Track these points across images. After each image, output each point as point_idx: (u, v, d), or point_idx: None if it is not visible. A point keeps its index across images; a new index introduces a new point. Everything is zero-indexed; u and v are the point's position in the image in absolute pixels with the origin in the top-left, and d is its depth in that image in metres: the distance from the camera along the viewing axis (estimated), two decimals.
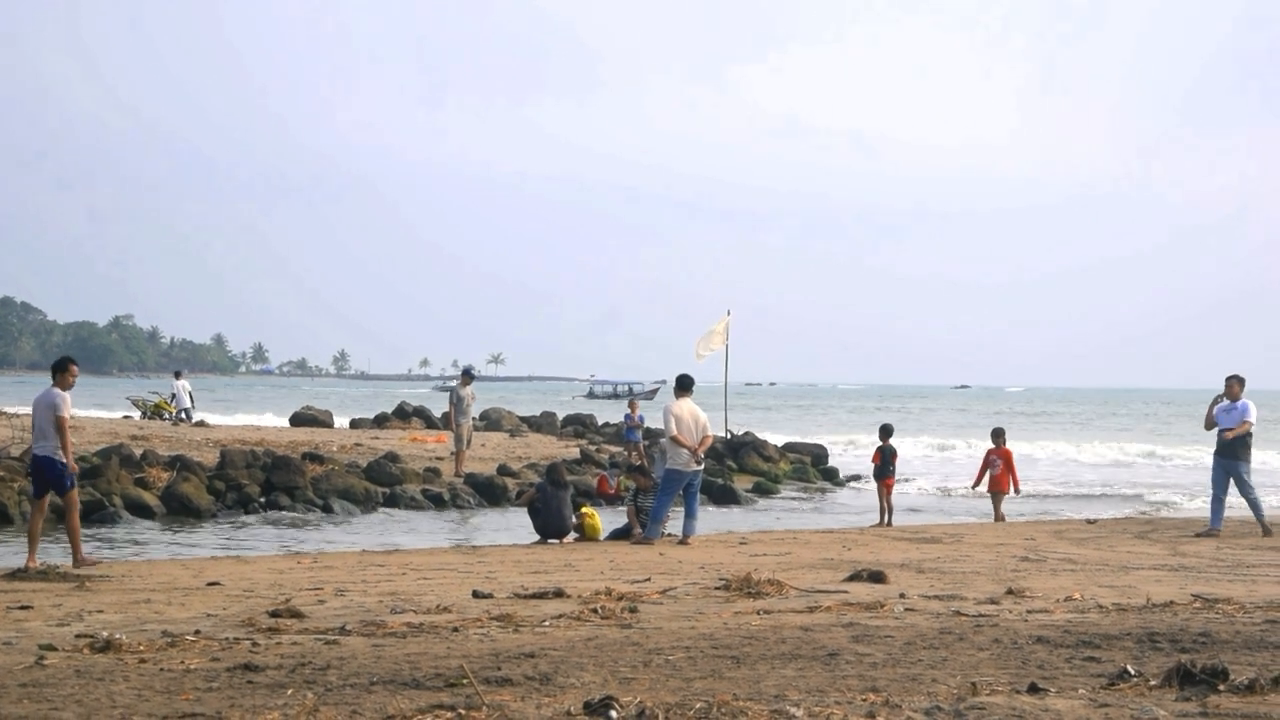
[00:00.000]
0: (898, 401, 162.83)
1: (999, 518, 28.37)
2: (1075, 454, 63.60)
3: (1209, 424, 24.31)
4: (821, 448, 51.13)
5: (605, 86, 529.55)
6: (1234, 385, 23.91)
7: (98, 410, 63.46)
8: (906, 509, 34.16)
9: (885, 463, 28.31)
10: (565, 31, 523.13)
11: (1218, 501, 24.12)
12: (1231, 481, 23.92)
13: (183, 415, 52.85)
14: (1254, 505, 24.10)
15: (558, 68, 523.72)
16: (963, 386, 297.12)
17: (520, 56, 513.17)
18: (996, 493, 28.64)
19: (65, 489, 18.70)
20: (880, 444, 28.60)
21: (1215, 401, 24.26)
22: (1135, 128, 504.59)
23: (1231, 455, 23.83)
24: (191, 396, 54.19)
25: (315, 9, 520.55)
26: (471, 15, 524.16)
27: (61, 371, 18.65)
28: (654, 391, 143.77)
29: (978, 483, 29.45)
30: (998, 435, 29.20)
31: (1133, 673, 8.79)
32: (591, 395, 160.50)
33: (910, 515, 32.71)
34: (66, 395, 18.48)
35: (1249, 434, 23.87)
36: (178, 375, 57.21)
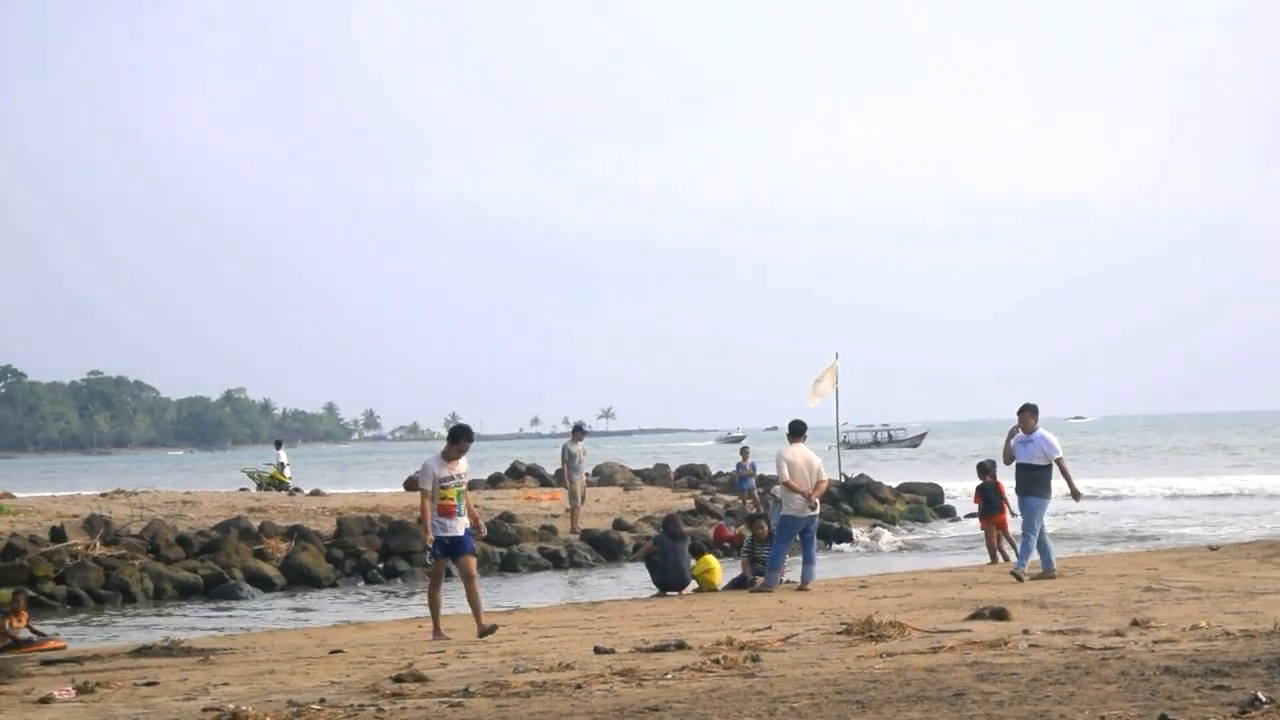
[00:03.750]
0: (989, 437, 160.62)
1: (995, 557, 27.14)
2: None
3: (1007, 458, 22.72)
4: (937, 487, 50.88)
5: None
6: (1028, 418, 22.25)
7: (214, 485, 64.01)
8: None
9: (989, 500, 27.66)
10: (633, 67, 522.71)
11: (1039, 542, 22.36)
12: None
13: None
14: (1025, 544, 22.16)
15: (619, 114, 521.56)
16: (1078, 418, 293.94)
17: (588, 101, 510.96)
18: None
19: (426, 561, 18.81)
20: (980, 482, 28.05)
21: (1011, 434, 22.63)
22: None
23: (1026, 490, 22.14)
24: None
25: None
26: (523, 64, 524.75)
27: (452, 442, 18.01)
28: (921, 437, 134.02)
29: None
30: (982, 470, 28.12)
31: (1264, 699, 8.69)
32: (848, 444, 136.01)
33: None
34: (429, 464, 17.83)
35: (1052, 468, 22.09)
36: (278, 445, 57.69)
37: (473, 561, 17.92)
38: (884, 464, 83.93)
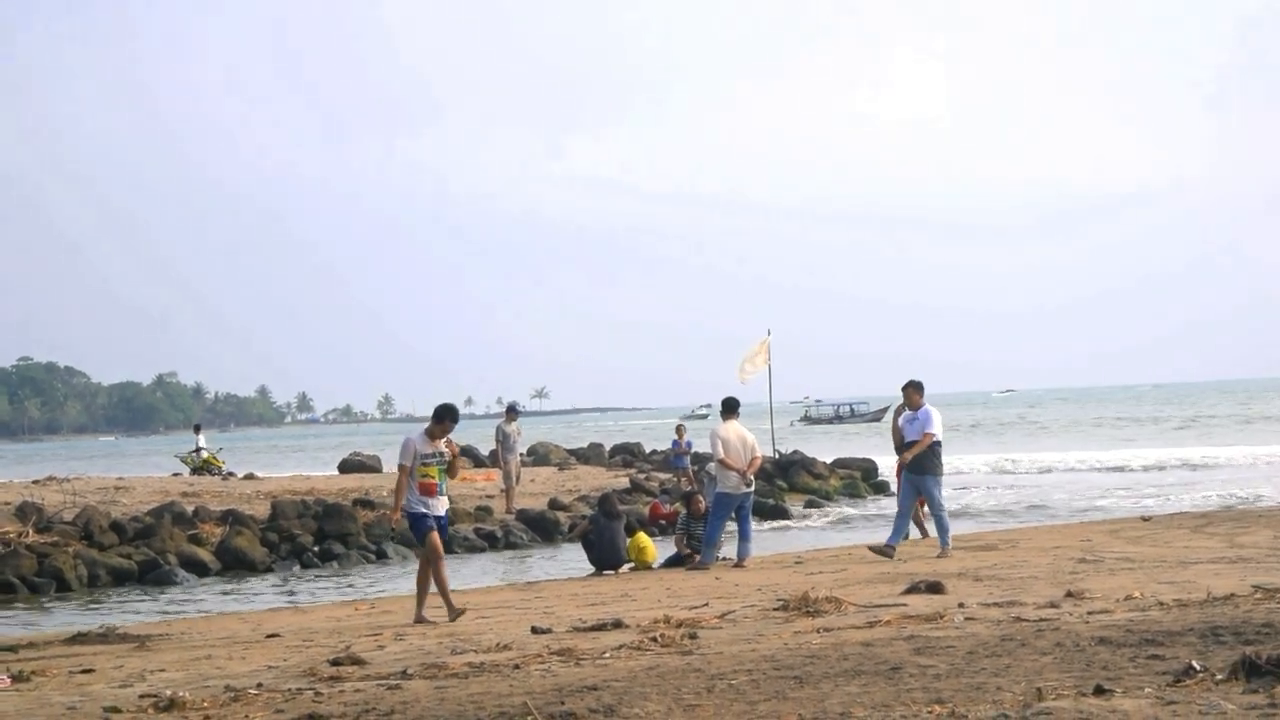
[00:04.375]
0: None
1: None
2: None
3: (897, 438, 22.46)
4: (871, 462, 51.03)
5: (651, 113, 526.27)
6: (913, 394, 22.11)
7: (147, 470, 63.67)
8: (963, 516, 34.15)
9: None
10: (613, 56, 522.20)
11: (901, 517, 22.58)
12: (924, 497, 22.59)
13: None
14: (940, 523, 22.21)
15: (593, 101, 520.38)
16: (1008, 391, 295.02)
17: (558, 92, 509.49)
18: None
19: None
20: None
21: (898, 412, 22.63)
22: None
23: (918, 469, 22.00)
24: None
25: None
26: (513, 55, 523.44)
27: (436, 420, 17.16)
28: (883, 412, 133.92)
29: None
30: None
31: (1198, 668, 8.75)
32: (808, 420, 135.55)
33: (964, 523, 32.61)
34: (411, 440, 17.08)
35: (938, 445, 22.00)
36: (197, 429, 57.50)
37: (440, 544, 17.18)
38: (824, 439, 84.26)
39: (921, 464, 21.96)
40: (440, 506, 17.09)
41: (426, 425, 17.29)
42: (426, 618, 16.79)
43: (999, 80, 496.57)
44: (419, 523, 16.99)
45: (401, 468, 17.06)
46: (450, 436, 17.25)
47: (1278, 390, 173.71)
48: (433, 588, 17.12)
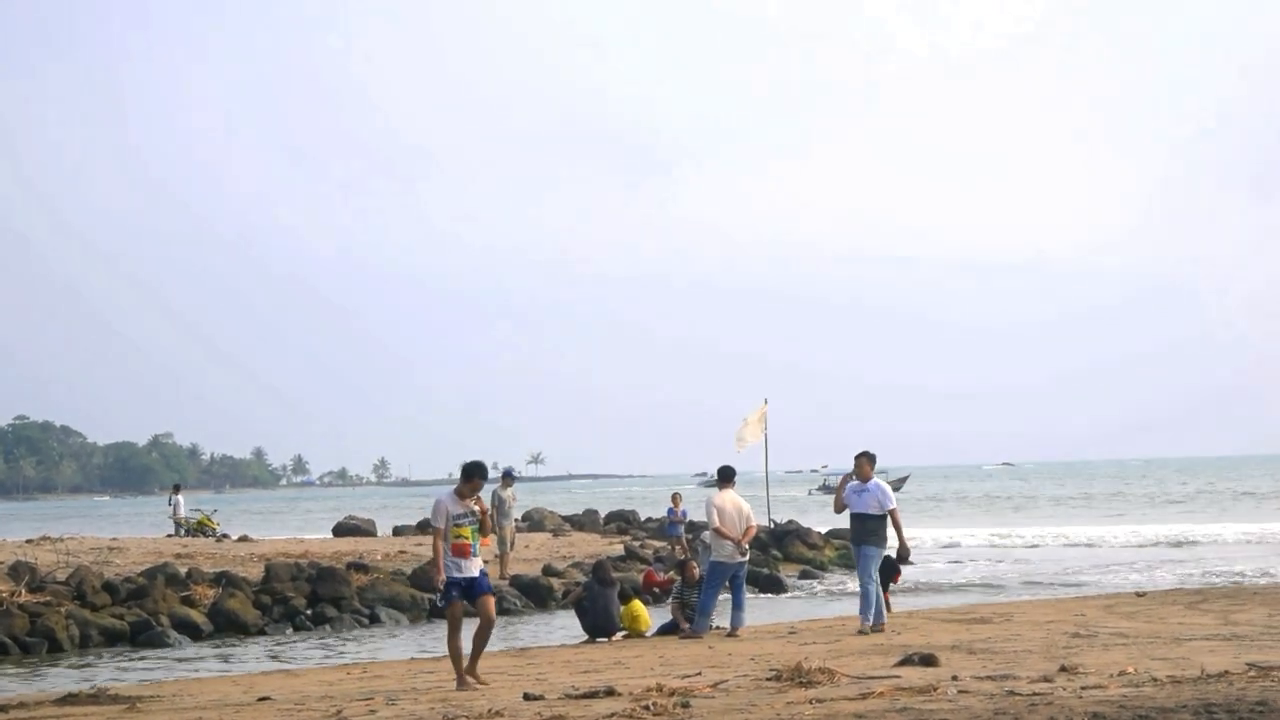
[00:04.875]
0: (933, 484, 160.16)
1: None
2: None
3: (839, 507, 22.39)
4: None
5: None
6: (864, 464, 21.93)
7: (141, 531, 63.58)
8: (956, 590, 34.14)
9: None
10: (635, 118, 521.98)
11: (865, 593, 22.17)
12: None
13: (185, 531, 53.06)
14: (867, 599, 21.87)
15: (626, 157, 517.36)
16: (1006, 464, 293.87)
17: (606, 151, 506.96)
18: None
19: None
20: None
21: (844, 482, 22.43)
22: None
23: (859, 540, 22.01)
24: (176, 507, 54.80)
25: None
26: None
27: (465, 479, 16.72)
28: (902, 481, 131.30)
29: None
30: None
31: None
32: (825, 489, 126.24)
33: (956, 596, 32.57)
34: (442, 501, 16.63)
35: (886, 517, 21.75)
36: (176, 489, 57.45)
37: (491, 603, 16.99)
38: (820, 510, 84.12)
39: (866, 535, 21.91)
40: (474, 567, 16.69)
41: (455, 485, 16.88)
42: (469, 684, 16.60)
43: (998, 158, 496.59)
44: (445, 589, 16.67)
45: (435, 530, 16.65)
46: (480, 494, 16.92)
47: (1272, 466, 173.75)
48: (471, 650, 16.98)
